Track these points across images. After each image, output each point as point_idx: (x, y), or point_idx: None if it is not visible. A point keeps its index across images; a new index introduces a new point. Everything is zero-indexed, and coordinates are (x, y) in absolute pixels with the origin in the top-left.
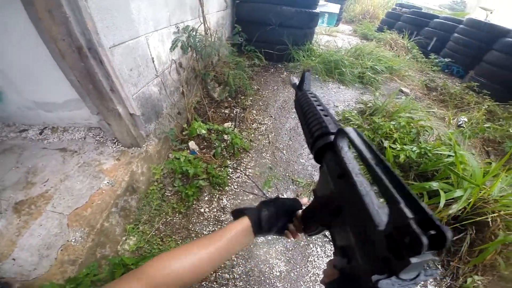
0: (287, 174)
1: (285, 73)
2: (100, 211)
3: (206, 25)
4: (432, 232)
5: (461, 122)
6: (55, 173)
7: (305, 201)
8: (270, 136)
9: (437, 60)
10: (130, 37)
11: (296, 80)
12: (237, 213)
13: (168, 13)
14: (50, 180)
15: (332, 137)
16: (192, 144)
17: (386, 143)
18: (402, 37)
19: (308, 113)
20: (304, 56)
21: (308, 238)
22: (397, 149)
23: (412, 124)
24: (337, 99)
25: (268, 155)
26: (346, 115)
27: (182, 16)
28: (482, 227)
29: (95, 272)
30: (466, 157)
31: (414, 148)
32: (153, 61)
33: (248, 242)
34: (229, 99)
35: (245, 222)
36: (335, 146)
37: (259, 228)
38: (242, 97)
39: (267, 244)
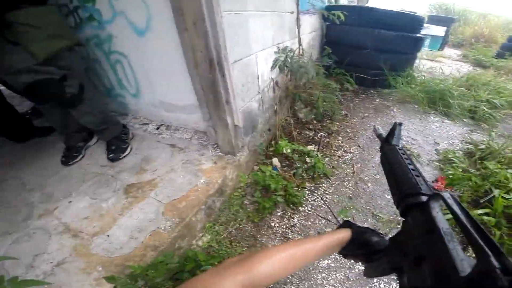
0: (367, 207)
1: (378, 100)
2: (192, 206)
3: (301, 47)
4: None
5: None
6: (164, 165)
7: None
8: (355, 166)
9: None
10: (246, 55)
11: (382, 131)
12: (344, 225)
13: (272, 33)
14: (159, 170)
15: (423, 197)
16: (275, 161)
17: (496, 192)
18: None
19: (398, 170)
20: (402, 83)
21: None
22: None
23: None
24: (439, 135)
25: (350, 184)
26: (449, 156)
27: (282, 37)
28: None
29: (169, 261)
30: None
31: None
32: (258, 78)
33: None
34: (314, 121)
35: (346, 234)
36: (427, 206)
37: (353, 245)
38: (328, 121)
39: (328, 269)
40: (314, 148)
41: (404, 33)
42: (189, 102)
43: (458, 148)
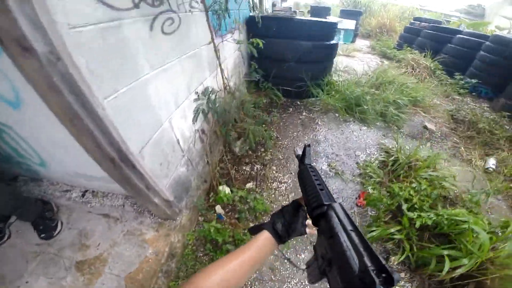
0: (305, 236)
1: (304, 113)
2: (150, 276)
3: (224, 79)
4: (384, 275)
5: (489, 166)
6: (104, 239)
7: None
8: (290, 196)
9: (463, 81)
10: (154, 130)
11: (300, 151)
12: (255, 229)
13: (186, 80)
14: (102, 244)
15: (325, 208)
16: (218, 209)
17: (404, 206)
18: (424, 56)
19: (308, 186)
20: (322, 90)
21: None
22: (414, 216)
23: (434, 182)
24: (358, 146)
25: None
26: (368, 171)
27: (200, 76)
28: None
29: None
30: (477, 229)
31: (431, 215)
32: (179, 143)
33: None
34: (250, 152)
35: (266, 234)
36: (327, 215)
37: (279, 238)
38: (262, 150)
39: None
40: (253, 185)
41: (320, 42)
42: (107, 175)
43: (374, 157)
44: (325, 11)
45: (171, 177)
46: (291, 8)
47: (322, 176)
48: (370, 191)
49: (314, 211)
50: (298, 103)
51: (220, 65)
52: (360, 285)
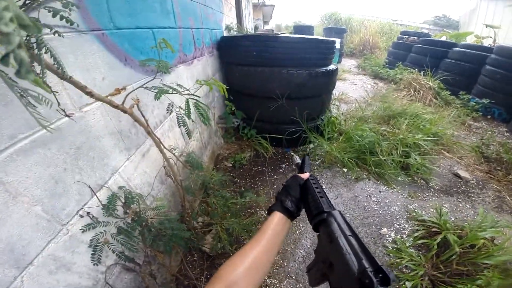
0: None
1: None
2: None
3: (168, 149)
4: (381, 275)
5: None
6: None
7: (304, 172)
8: None
9: (472, 102)
10: None
11: (299, 160)
12: (269, 211)
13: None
14: None
15: (325, 214)
16: None
17: None
18: (423, 74)
19: (309, 195)
20: (323, 134)
21: None
22: None
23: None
24: (381, 218)
25: None
26: (403, 256)
27: (88, 175)
28: None
29: None
30: None
31: None
32: None
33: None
34: (228, 247)
35: (278, 215)
36: (327, 221)
37: (291, 215)
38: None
39: None
40: None
41: (316, 68)
42: None
43: (407, 233)
44: (309, 30)
45: None
46: (273, 30)
47: None
48: None
49: (315, 218)
50: (292, 154)
51: (150, 133)
52: (359, 285)
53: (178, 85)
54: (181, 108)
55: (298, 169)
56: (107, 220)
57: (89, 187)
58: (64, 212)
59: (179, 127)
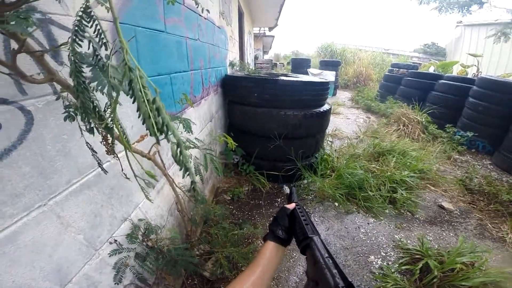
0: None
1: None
2: None
3: (180, 190)
4: None
5: None
6: None
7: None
8: None
9: (457, 136)
10: None
11: (288, 191)
12: (264, 240)
13: (83, 233)
14: None
15: (309, 239)
16: None
17: None
18: (412, 109)
19: (296, 222)
20: (316, 171)
21: None
22: None
23: None
24: (369, 247)
25: None
26: (388, 281)
27: (118, 211)
28: None
29: None
30: None
31: None
32: None
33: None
34: (226, 273)
35: (271, 244)
36: (310, 246)
37: (283, 242)
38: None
39: None
40: None
41: (311, 110)
42: None
43: (393, 260)
44: (306, 63)
45: None
46: (271, 60)
47: None
48: None
49: (301, 242)
50: (283, 185)
51: (166, 175)
52: None
53: (196, 138)
54: (196, 158)
55: (287, 199)
56: (129, 247)
57: (125, 219)
58: (98, 239)
59: (196, 175)
